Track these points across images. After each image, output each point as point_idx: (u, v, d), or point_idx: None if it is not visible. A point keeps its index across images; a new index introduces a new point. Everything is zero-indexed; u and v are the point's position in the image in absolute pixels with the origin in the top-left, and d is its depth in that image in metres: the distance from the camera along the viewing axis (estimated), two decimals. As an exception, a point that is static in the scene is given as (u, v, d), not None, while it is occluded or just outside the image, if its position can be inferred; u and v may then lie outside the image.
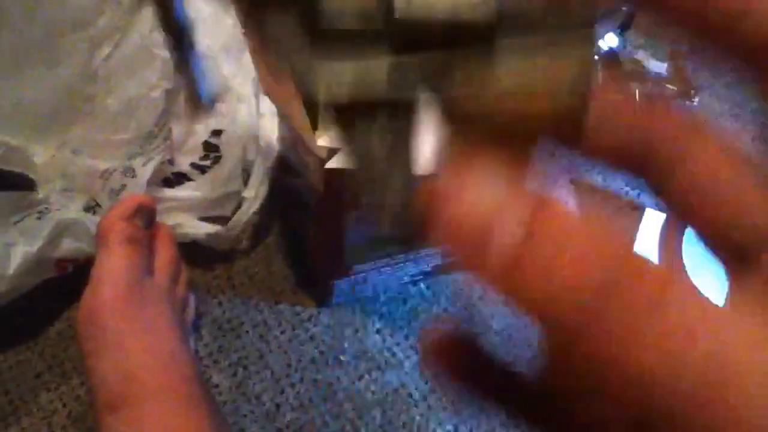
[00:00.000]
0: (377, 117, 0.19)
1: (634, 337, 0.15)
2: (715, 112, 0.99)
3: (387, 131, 0.19)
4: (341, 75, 0.19)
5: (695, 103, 0.97)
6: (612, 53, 0.96)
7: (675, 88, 0.97)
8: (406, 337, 0.78)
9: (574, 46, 0.19)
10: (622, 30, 0.95)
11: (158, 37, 0.76)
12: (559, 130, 0.19)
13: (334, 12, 0.18)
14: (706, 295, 0.16)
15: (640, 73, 0.98)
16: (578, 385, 0.16)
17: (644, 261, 0.16)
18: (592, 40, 0.19)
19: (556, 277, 0.16)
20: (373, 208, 0.20)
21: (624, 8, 0.95)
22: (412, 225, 0.19)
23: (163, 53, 0.75)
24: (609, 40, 0.95)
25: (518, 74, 0.18)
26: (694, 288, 0.16)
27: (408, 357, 0.77)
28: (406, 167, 0.20)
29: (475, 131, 0.19)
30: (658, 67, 0.97)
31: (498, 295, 0.16)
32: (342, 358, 0.76)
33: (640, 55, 0.98)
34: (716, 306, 0.15)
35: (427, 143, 0.19)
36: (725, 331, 0.15)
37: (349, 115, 0.19)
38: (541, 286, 0.16)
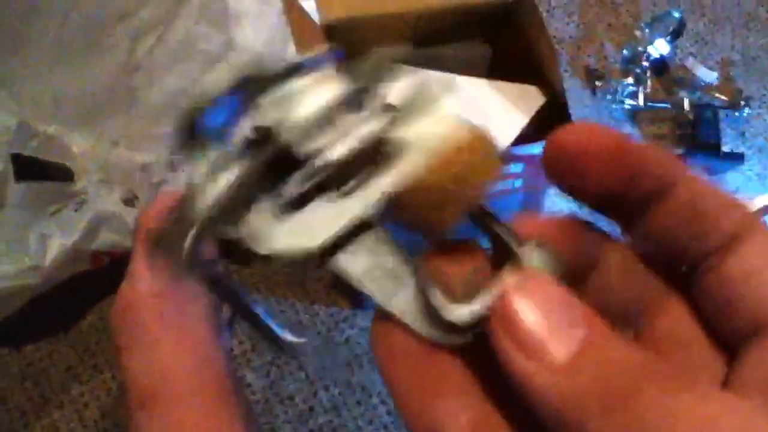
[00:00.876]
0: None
1: None
2: (765, 122, 0.96)
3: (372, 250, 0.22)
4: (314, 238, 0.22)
5: (744, 114, 0.95)
6: (662, 61, 0.94)
7: (724, 98, 0.95)
8: (442, 343, 0.77)
9: (437, 111, 0.23)
10: (673, 37, 0.93)
11: (201, 30, 0.75)
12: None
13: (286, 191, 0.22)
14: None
15: (690, 82, 0.96)
16: None
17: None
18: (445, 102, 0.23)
19: None
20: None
21: (676, 15, 0.93)
22: None
23: (207, 47, 0.75)
24: (659, 47, 0.93)
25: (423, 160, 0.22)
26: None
27: (444, 363, 0.75)
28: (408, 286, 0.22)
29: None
30: (707, 75, 0.95)
31: None
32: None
33: (690, 62, 0.96)
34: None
35: None
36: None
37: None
38: None
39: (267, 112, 0.23)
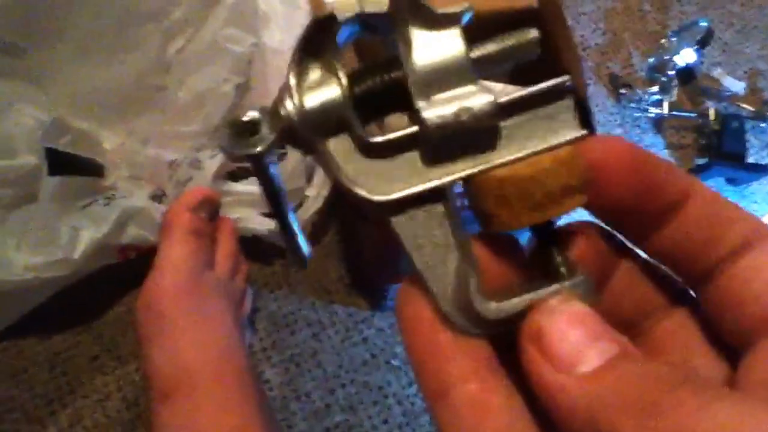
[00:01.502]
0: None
1: None
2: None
3: (432, 223, 0.23)
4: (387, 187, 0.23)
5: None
6: (688, 70, 0.94)
7: (750, 108, 0.95)
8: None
9: (562, 126, 0.24)
10: (701, 46, 0.93)
11: (231, 32, 0.77)
12: (566, 201, 0.23)
13: (379, 135, 0.23)
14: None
15: (716, 91, 0.95)
16: None
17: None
18: (578, 122, 0.24)
19: None
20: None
21: (703, 24, 0.93)
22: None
23: (235, 48, 0.76)
24: (686, 56, 0.93)
25: (516, 154, 0.23)
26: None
27: (460, 365, 0.76)
28: (459, 257, 0.23)
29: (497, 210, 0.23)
30: (734, 85, 0.95)
31: None
32: (394, 362, 0.76)
33: (718, 72, 0.96)
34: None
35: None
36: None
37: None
38: None
39: (395, 46, 0.24)
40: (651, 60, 0.96)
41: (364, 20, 0.23)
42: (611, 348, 0.20)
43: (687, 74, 0.95)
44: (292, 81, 0.23)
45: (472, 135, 0.23)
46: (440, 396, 0.22)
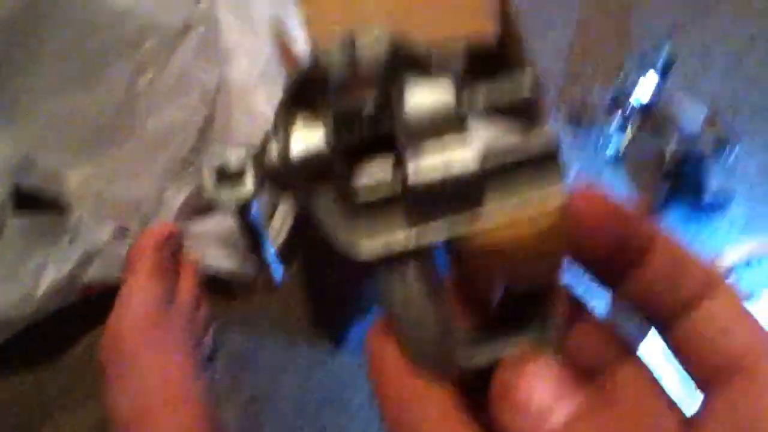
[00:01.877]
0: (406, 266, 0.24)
1: None
2: (749, 168, 0.98)
3: (415, 279, 0.23)
4: (372, 243, 0.23)
5: (731, 158, 0.96)
6: (647, 106, 0.96)
7: (709, 143, 0.96)
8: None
9: (547, 181, 0.23)
10: (661, 79, 0.94)
11: (199, 66, 0.77)
12: (547, 256, 0.24)
13: (363, 188, 0.23)
14: None
15: (676, 124, 0.97)
16: None
17: None
18: (561, 175, 0.23)
19: None
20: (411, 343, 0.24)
21: (663, 56, 0.95)
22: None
23: (203, 82, 0.77)
24: (645, 88, 0.94)
25: (503, 212, 0.23)
26: None
27: (420, 402, 0.76)
28: (439, 310, 0.24)
29: (482, 268, 0.24)
30: (694, 118, 0.96)
31: None
32: (355, 400, 0.76)
33: (677, 105, 0.97)
34: None
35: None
36: None
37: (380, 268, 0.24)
38: None
39: (386, 94, 0.24)
40: (611, 92, 0.98)
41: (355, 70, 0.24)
42: (576, 402, 0.22)
43: (647, 107, 0.96)
44: (279, 129, 0.24)
45: (458, 189, 0.23)
46: None
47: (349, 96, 0.24)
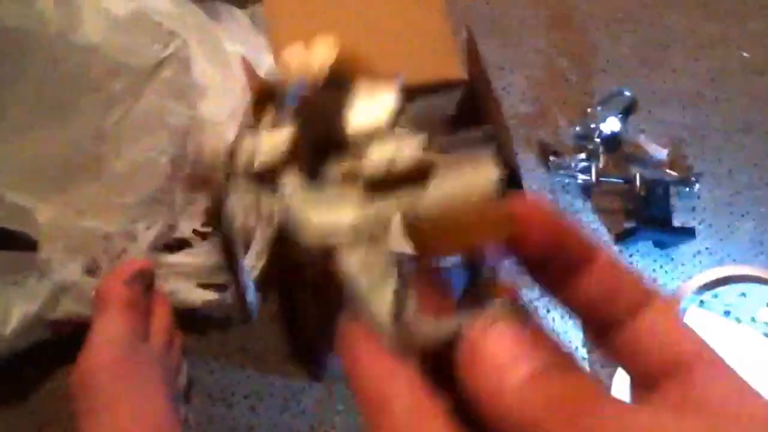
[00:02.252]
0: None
1: None
2: (714, 197, 1.00)
3: (369, 255, 0.26)
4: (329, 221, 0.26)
5: (695, 189, 0.98)
6: (614, 137, 0.98)
7: (674, 174, 0.98)
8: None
9: (481, 165, 0.26)
10: (625, 114, 0.97)
11: (168, 104, 0.77)
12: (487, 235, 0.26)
13: (323, 175, 0.27)
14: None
15: (641, 158, 0.99)
16: None
17: None
18: (493, 160, 0.27)
19: None
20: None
21: (627, 93, 0.97)
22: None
23: (173, 120, 0.77)
24: (611, 124, 0.96)
25: (443, 191, 0.26)
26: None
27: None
28: (397, 285, 0.25)
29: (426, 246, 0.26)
30: (658, 152, 0.99)
31: None
32: (332, 433, 0.76)
33: (642, 139, 1.00)
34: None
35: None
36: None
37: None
38: None
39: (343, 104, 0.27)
40: (578, 128, 1.00)
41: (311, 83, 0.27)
42: (539, 360, 0.22)
43: (612, 142, 0.99)
44: (246, 127, 0.27)
45: (405, 176, 0.26)
46: (379, 409, 0.23)
47: (306, 102, 0.28)
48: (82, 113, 0.76)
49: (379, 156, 0.26)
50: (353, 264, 0.25)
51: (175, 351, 0.72)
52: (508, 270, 0.28)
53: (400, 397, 0.23)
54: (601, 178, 0.96)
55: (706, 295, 0.87)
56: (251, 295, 0.27)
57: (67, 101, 0.75)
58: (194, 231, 0.79)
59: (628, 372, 0.27)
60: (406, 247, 0.26)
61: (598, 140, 0.97)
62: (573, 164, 0.96)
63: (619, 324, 0.26)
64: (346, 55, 0.28)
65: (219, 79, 0.83)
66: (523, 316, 0.25)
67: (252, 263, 0.77)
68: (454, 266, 0.27)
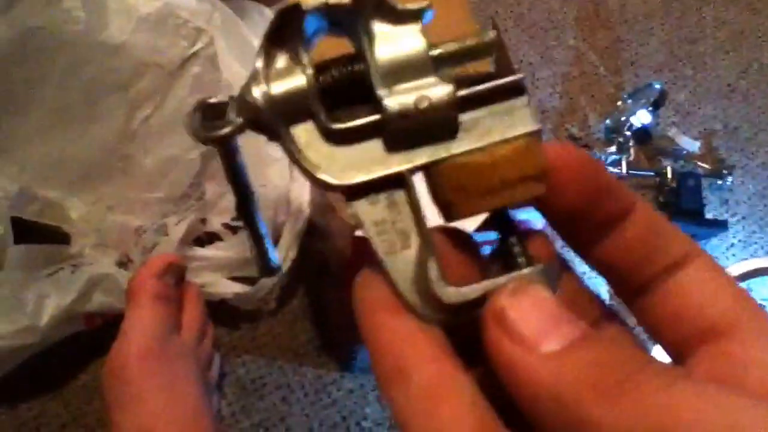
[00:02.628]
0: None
1: None
2: (747, 190, 0.98)
3: (393, 207, 0.24)
4: (351, 172, 0.24)
5: (727, 182, 0.97)
6: (644, 130, 0.97)
7: (706, 166, 0.97)
8: (428, 406, 0.77)
9: (515, 112, 0.25)
10: (655, 107, 0.96)
11: (194, 100, 0.78)
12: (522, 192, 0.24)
13: (342, 120, 0.24)
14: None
15: (672, 150, 0.98)
16: None
17: None
18: (528, 106, 0.25)
19: None
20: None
21: (657, 86, 0.96)
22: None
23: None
24: (641, 117, 0.96)
25: (475, 139, 0.24)
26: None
27: (429, 426, 0.76)
28: (412, 251, 0.24)
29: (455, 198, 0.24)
30: (690, 144, 0.98)
31: None
32: (364, 424, 0.76)
33: (673, 132, 0.99)
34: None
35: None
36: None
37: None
38: None
39: (360, 40, 0.25)
40: (608, 121, 0.99)
41: (329, 13, 0.24)
42: (574, 330, 0.21)
43: (643, 134, 0.98)
44: (259, 68, 0.24)
45: (432, 125, 0.24)
46: (397, 380, 0.22)
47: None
48: (109, 112, 0.77)
49: (403, 97, 0.24)
50: (371, 222, 0.24)
51: (207, 343, 0.72)
52: (543, 229, 0.26)
53: (419, 368, 0.22)
54: (632, 171, 0.95)
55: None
56: (271, 250, 0.26)
57: (93, 100, 0.76)
58: (224, 225, 0.80)
59: (659, 339, 0.25)
60: (430, 207, 0.25)
61: (628, 133, 0.96)
62: (603, 157, 0.96)
63: (656, 283, 0.25)
64: None
65: (246, 76, 0.83)
66: (557, 278, 0.24)
67: (282, 256, 0.78)
68: (483, 227, 0.26)
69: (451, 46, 0.25)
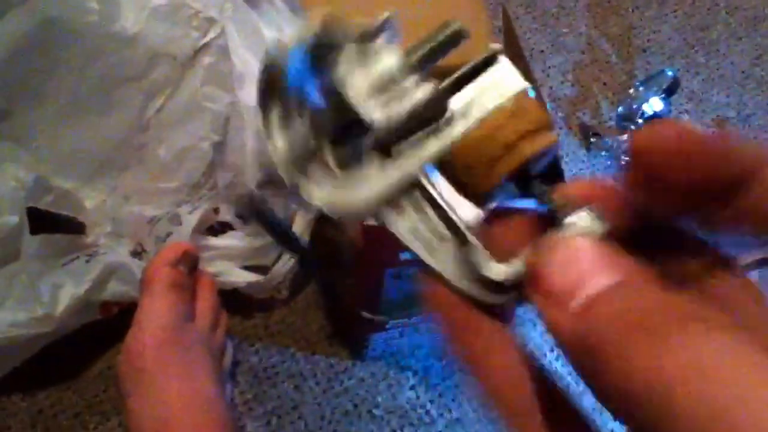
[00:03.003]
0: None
1: None
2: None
3: (416, 209, 0.24)
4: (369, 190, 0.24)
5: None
6: (657, 117, 0.97)
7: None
8: (440, 395, 0.78)
9: (498, 76, 0.25)
10: (668, 95, 0.95)
11: (209, 91, 0.78)
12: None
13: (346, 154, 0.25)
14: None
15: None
16: None
17: None
18: (515, 74, 0.25)
19: None
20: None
21: (669, 74, 0.96)
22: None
23: (213, 106, 0.78)
24: (654, 104, 0.95)
25: (472, 115, 0.25)
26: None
27: (441, 415, 0.77)
28: (448, 243, 0.24)
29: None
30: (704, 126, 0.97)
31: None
32: (375, 412, 0.76)
33: (686, 120, 0.98)
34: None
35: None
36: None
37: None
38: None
39: (337, 73, 0.25)
40: (620, 109, 0.99)
41: (304, 58, 0.24)
42: (611, 277, 0.19)
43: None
44: (261, 128, 0.25)
45: (425, 121, 0.24)
46: (476, 368, 0.22)
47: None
48: (124, 102, 0.78)
49: (387, 107, 0.24)
50: (404, 229, 0.24)
51: (221, 331, 0.73)
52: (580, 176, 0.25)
53: (496, 353, 0.22)
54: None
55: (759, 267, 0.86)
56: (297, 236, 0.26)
57: (108, 91, 0.77)
58: (237, 214, 0.80)
59: None
60: (450, 193, 0.25)
61: (640, 121, 0.96)
62: (615, 145, 0.95)
63: None
64: (331, 20, 0.25)
65: (258, 66, 0.83)
66: (600, 218, 0.22)
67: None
68: (511, 195, 0.26)
69: (424, 49, 0.25)
